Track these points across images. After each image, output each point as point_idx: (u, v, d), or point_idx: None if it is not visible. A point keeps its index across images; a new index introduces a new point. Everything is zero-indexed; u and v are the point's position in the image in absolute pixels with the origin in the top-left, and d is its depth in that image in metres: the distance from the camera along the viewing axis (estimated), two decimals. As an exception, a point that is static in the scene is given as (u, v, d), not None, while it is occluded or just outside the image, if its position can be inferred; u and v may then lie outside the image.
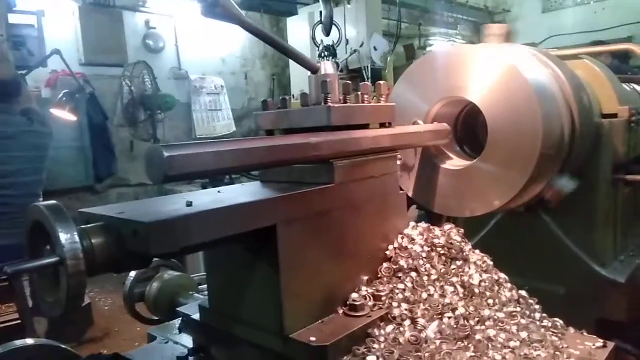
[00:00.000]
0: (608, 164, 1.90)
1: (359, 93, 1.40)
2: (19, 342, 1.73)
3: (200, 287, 2.03)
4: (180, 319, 1.70)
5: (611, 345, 1.19)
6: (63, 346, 1.52)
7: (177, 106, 7.29)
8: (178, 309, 1.73)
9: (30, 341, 1.80)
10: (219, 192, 1.29)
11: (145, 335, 1.83)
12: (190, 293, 1.96)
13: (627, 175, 1.95)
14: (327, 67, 1.43)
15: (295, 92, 6.97)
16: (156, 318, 1.97)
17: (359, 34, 6.61)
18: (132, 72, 6.90)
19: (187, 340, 1.56)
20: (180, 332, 1.62)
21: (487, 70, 1.62)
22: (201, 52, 7.84)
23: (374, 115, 1.42)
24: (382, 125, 1.45)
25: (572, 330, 1.30)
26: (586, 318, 1.43)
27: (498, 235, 1.95)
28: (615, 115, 1.90)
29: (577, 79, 1.80)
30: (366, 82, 1.42)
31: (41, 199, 3.52)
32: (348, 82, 1.37)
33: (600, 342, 1.20)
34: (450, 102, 1.75)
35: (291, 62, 7.51)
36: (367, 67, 6.35)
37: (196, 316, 1.47)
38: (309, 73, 1.43)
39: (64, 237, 0.86)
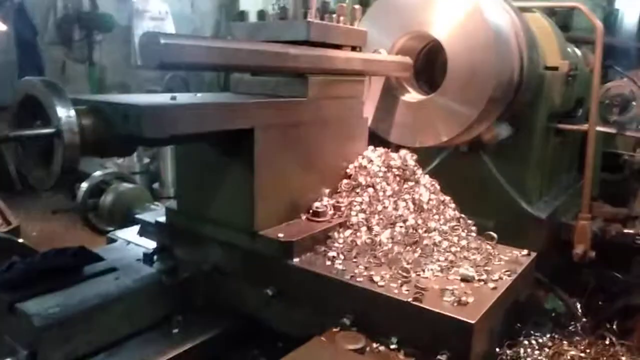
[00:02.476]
0: (545, 113, 2.10)
1: (335, 14, 1.45)
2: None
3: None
4: (136, 225, 1.75)
5: (533, 254, 1.40)
6: (20, 240, 1.52)
7: (116, 28, 6.84)
8: (137, 216, 1.77)
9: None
10: (195, 95, 1.32)
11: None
12: (146, 204, 1.99)
13: (560, 125, 2.17)
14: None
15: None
16: (109, 228, 1.99)
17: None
18: (67, -16, 6.34)
19: (146, 243, 1.62)
20: (140, 236, 1.66)
21: (452, 8, 1.71)
22: (145, -27, 7.32)
23: (348, 37, 1.48)
24: (353, 49, 1.52)
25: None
26: (512, 248, 1.62)
27: (442, 171, 2.11)
28: (556, 69, 2.08)
29: (530, 31, 1.95)
30: (343, 4, 1.47)
31: None
32: (327, 1, 1.41)
33: (525, 251, 1.41)
34: (414, 36, 1.84)
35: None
36: None
37: (161, 219, 1.53)
38: (260, 6, 1.45)
39: (61, 110, 0.88)
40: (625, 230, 2.22)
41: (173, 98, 1.11)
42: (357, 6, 1.52)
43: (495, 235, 1.49)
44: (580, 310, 2.22)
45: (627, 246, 2.24)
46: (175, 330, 1.32)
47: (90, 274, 1.34)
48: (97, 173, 2.16)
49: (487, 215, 2.13)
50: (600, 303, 2.43)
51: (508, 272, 1.27)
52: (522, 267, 1.32)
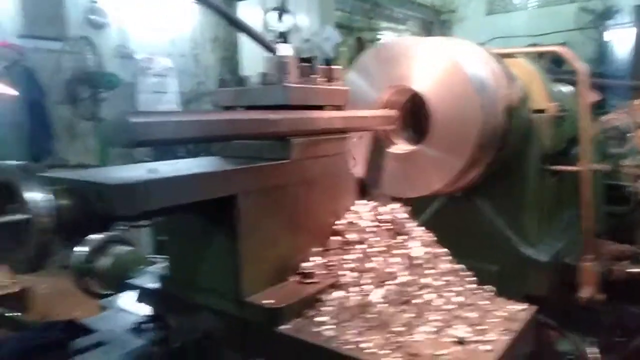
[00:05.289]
0: (537, 155, 2.09)
1: (314, 75, 1.48)
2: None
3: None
4: (132, 291, 1.73)
5: (533, 308, 1.36)
6: (10, 315, 1.51)
7: (121, 86, 7.05)
8: (131, 280, 1.76)
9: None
10: (177, 163, 1.33)
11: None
12: (141, 267, 1.98)
13: (553, 166, 2.16)
14: (285, 49, 1.50)
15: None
16: (105, 292, 1.97)
17: (312, 24, 6.69)
18: (73, 47, 6.60)
19: (140, 309, 1.59)
20: (139, 302, 1.64)
21: (431, 62, 1.74)
22: (149, 32, 7.61)
23: (328, 97, 1.50)
24: (335, 108, 1.54)
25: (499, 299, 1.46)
26: (515, 294, 1.58)
27: (438, 218, 2.09)
28: (543, 111, 2.09)
29: (512, 76, 1.97)
30: (321, 66, 1.50)
31: None
32: (305, 64, 1.44)
33: (524, 306, 1.36)
34: (398, 90, 1.87)
35: (242, 46, 7.43)
36: (317, 57, 6.44)
37: (154, 285, 1.51)
38: (261, 57, 1.49)
39: (34, 195, 0.89)
40: (631, 270, 2.15)
41: (152, 170, 1.12)
42: (337, 66, 1.54)
43: (493, 288, 1.46)
44: (597, 350, 2.14)
45: (640, 282, 2.17)
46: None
47: (77, 349, 1.32)
48: (93, 237, 2.15)
49: (489, 260, 2.09)
50: (617, 340, 2.34)
51: (505, 331, 1.23)
52: (521, 325, 1.28)
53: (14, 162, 0.94)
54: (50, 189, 0.97)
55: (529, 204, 2.08)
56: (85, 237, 2.12)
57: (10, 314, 1.53)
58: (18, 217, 0.88)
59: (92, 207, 0.98)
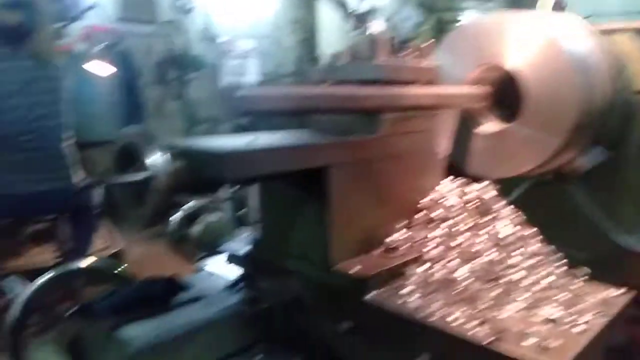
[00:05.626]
0: (638, 139, 1.95)
1: (405, 53, 1.48)
2: (73, 266, 1.92)
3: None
4: (223, 255, 1.86)
5: (631, 293, 1.30)
6: (119, 268, 1.68)
7: (205, 68, 7.37)
8: (223, 246, 1.88)
9: (84, 263, 1.98)
10: (273, 135, 1.40)
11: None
12: (232, 235, 2.11)
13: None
14: (377, 26, 1.51)
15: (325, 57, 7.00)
16: (197, 257, 2.13)
17: (391, 4, 6.57)
18: (163, 30, 6.97)
19: (231, 272, 1.71)
20: (226, 265, 1.76)
21: (526, 38, 1.68)
22: (232, 15, 7.85)
23: (418, 74, 1.50)
24: (425, 85, 1.54)
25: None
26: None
27: (525, 202, 2.02)
28: (646, 92, 1.94)
29: (615, 53, 1.84)
30: (412, 43, 1.50)
31: (66, 142, 3.57)
32: (396, 41, 1.45)
33: (621, 290, 1.30)
34: (488, 68, 1.81)
35: (321, 27, 7.47)
36: (397, 37, 6.33)
37: (244, 251, 1.61)
38: (337, 39, 1.52)
39: (153, 157, 0.99)
40: None
41: (253, 140, 1.19)
42: (427, 43, 1.54)
43: (587, 270, 1.41)
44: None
45: None
46: (257, 359, 1.38)
47: (178, 303, 1.44)
48: (187, 205, 2.32)
49: (578, 247, 2.00)
50: None
51: (600, 314, 1.18)
52: (617, 308, 1.23)
53: (136, 128, 1.04)
54: (166, 153, 1.07)
55: (628, 190, 1.96)
56: (181, 206, 2.29)
57: (117, 270, 1.69)
58: (140, 176, 0.98)
59: (202, 171, 1.07)
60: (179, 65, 7.11)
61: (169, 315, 1.37)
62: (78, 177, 3.61)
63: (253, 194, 5.95)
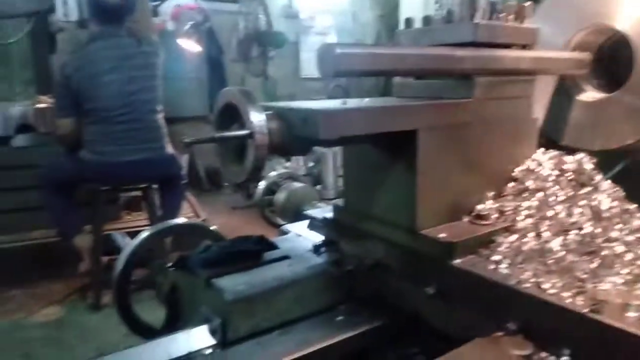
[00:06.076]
0: None
1: (503, 13, 1.42)
2: (173, 221, 2.07)
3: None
4: (307, 220, 1.92)
5: None
6: (212, 227, 1.79)
7: (286, 44, 7.48)
8: (306, 212, 1.95)
9: (182, 220, 2.13)
10: (363, 100, 1.41)
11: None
12: (314, 202, 2.17)
13: None
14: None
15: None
16: (282, 223, 2.21)
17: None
18: (247, 8, 7.15)
19: (314, 237, 1.77)
20: (312, 230, 1.83)
21: (642, -4, 1.54)
22: (313, -10, 7.88)
23: (517, 36, 1.44)
24: (523, 48, 1.47)
25: None
26: None
27: (627, 177, 1.89)
28: None
29: None
30: (511, 2, 1.43)
31: (160, 115, 3.78)
32: (494, 1, 1.39)
33: None
34: (593, 31, 1.69)
35: (402, 2, 7.28)
36: None
37: (328, 215, 1.66)
38: (420, 15, 1.47)
39: (254, 115, 1.04)
40: None
41: (344, 103, 1.21)
42: (528, 3, 1.46)
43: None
44: None
45: None
46: (340, 318, 1.42)
47: (268, 260, 1.52)
48: (272, 173, 2.42)
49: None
50: None
51: None
52: None
53: (237, 87, 1.10)
54: (265, 113, 1.12)
55: None
56: (266, 174, 2.39)
57: (211, 227, 1.80)
58: (241, 132, 1.04)
59: (297, 131, 1.11)
60: (261, 43, 7.28)
61: (259, 270, 1.45)
62: (169, 148, 3.85)
63: (328, 170, 6.03)
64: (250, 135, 1.04)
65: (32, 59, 5.66)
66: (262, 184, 2.35)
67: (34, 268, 4.10)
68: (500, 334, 1.10)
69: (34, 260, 4.12)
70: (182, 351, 1.25)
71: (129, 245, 1.69)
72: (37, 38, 4.94)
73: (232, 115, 1.13)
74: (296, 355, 1.24)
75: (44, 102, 4.38)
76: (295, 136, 1.11)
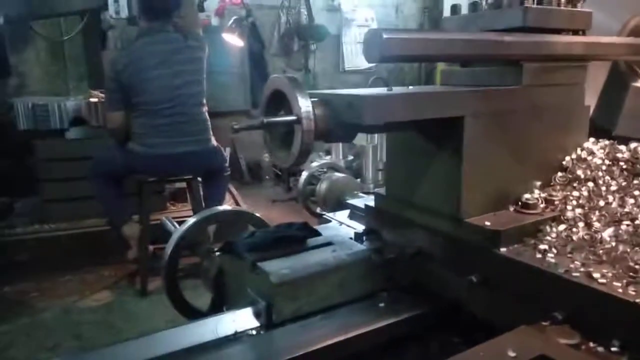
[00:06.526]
0: None
1: (555, -3, 1.38)
2: (219, 207, 2.13)
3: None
4: (348, 209, 1.94)
5: None
6: (256, 214, 1.83)
7: (327, 38, 7.50)
8: (348, 201, 1.96)
9: (227, 207, 2.19)
10: (408, 87, 1.41)
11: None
12: (355, 191, 2.18)
13: None
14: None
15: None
16: (323, 212, 2.24)
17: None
18: (289, 2, 7.21)
19: (356, 225, 1.78)
20: (350, 219, 1.84)
21: None
22: (355, -17, 7.85)
23: (569, 21, 1.39)
24: (575, 33, 1.42)
25: None
26: None
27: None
28: None
29: None
30: (563, -14, 1.39)
31: (204, 108, 3.87)
32: (545, -16, 1.36)
33: None
34: (652, 15, 1.62)
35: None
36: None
37: (370, 203, 1.66)
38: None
39: (301, 101, 1.06)
40: None
41: (389, 90, 1.21)
42: (581, -14, 1.41)
43: None
44: None
45: None
46: (381, 305, 1.43)
47: (311, 246, 1.55)
48: (314, 164, 2.45)
49: None
50: None
51: None
52: None
53: (285, 75, 1.12)
54: (312, 100, 1.13)
55: None
56: (309, 164, 2.42)
57: (256, 214, 1.84)
58: (289, 118, 1.06)
59: (342, 117, 1.13)
60: (302, 36, 7.33)
61: (303, 255, 1.48)
62: (213, 141, 3.95)
63: (368, 163, 6.01)
64: (298, 121, 1.06)
65: (84, 56, 5.93)
66: (304, 174, 2.38)
67: (86, 255, 4.31)
68: (545, 323, 1.08)
69: (86, 247, 4.33)
70: (229, 331, 1.29)
71: (178, 229, 1.75)
72: (89, 35, 5.16)
73: (278, 103, 1.16)
74: (338, 339, 1.26)
75: (96, 97, 4.58)
76: (340, 122, 1.13)
